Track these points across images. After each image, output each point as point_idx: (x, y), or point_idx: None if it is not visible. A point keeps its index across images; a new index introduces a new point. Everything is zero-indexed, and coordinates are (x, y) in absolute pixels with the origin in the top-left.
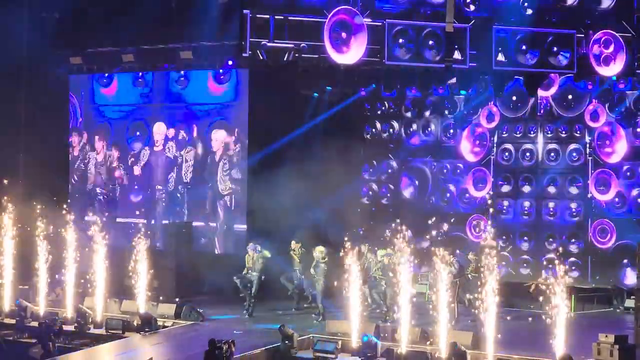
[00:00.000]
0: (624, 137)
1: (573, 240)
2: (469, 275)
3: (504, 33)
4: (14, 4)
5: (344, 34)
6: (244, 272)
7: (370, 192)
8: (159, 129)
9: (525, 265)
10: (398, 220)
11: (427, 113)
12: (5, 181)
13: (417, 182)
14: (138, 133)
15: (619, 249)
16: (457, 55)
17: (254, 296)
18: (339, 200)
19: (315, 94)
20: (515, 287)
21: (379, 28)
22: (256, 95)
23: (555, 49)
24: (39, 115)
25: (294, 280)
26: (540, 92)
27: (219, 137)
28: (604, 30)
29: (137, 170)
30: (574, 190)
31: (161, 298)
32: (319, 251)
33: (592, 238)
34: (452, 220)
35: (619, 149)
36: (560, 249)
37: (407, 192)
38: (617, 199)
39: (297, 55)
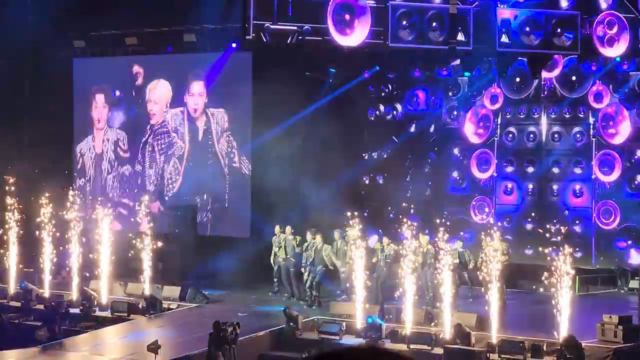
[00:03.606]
0: (627, 118)
1: (577, 221)
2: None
3: (507, 14)
4: None
5: (347, 16)
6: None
7: (374, 175)
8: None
9: (529, 246)
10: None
11: (431, 95)
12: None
13: (419, 164)
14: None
15: (624, 230)
16: (460, 36)
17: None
18: (341, 183)
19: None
20: (519, 268)
21: (382, 10)
22: (260, 77)
23: (559, 30)
24: (43, 99)
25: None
26: (544, 74)
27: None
28: (608, 11)
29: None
30: (577, 171)
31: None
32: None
33: (597, 219)
34: (450, 205)
35: (623, 130)
36: (564, 230)
37: (410, 175)
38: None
39: (300, 37)
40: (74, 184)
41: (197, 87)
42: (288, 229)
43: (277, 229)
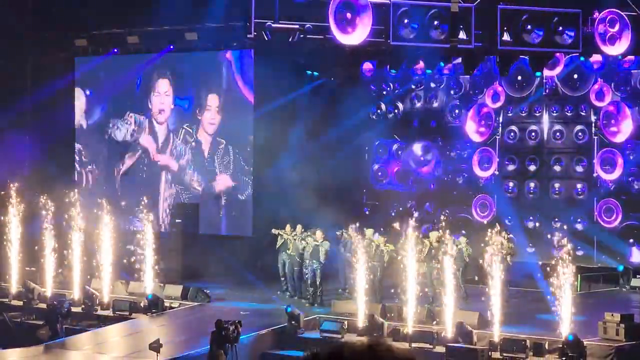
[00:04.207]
0: (629, 116)
1: (579, 219)
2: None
3: (509, 12)
4: None
5: (348, 15)
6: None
7: (377, 172)
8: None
9: (531, 244)
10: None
11: (433, 93)
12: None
13: (423, 163)
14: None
15: (625, 228)
16: (462, 35)
17: None
18: (344, 181)
19: (314, 73)
20: (521, 266)
21: (384, 8)
22: (261, 76)
23: (560, 28)
24: (44, 97)
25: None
26: (546, 72)
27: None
28: (610, 9)
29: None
30: (579, 169)
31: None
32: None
33: (598, 217)
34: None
35: (625, 128)
36: (566, 228)
37: (413, 173)
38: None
39: (302, 36)
40: (76, 182)
41: (199, 88)
42: (299, 228)
43: (287, 227)
